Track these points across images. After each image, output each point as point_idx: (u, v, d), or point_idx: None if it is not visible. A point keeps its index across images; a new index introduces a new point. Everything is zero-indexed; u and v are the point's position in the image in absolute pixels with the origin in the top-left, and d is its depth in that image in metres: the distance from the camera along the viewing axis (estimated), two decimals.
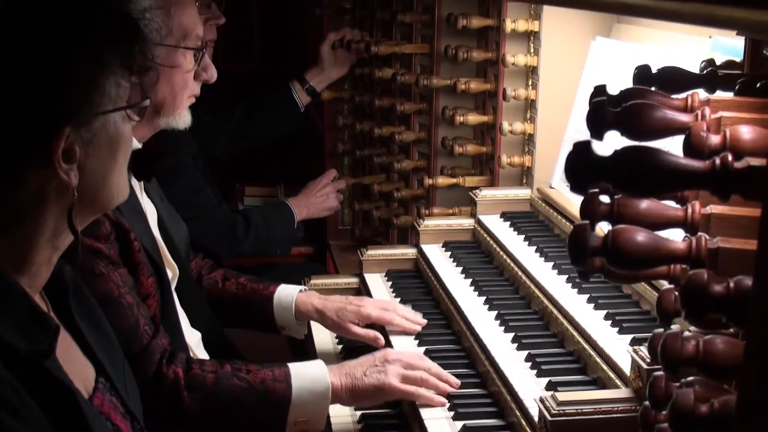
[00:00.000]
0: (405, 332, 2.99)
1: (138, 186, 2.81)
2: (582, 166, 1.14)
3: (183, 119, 2.85)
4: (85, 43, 1.70)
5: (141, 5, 2.61)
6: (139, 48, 1.82)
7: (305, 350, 3.28)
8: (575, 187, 1.18)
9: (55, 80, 1.65)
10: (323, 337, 3.25)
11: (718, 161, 1.13)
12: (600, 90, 1.39)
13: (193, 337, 2.96)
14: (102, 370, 1.92)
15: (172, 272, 2.88)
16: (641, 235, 1.22)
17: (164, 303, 2.74)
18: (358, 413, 2.78)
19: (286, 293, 3.15)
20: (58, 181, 1.68)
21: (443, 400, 2.57)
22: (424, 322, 3.02)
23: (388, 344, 2.95)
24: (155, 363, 2.53)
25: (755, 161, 1.11)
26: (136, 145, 2.75)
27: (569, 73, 3.36)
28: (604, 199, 1.28)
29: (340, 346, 3.20)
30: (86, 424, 1.70)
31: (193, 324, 3.01)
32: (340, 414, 2.73)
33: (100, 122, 1.72)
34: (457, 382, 2.65)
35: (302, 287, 3.22)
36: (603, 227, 1.33)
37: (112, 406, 1.90)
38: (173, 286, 2.88)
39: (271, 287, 3.18)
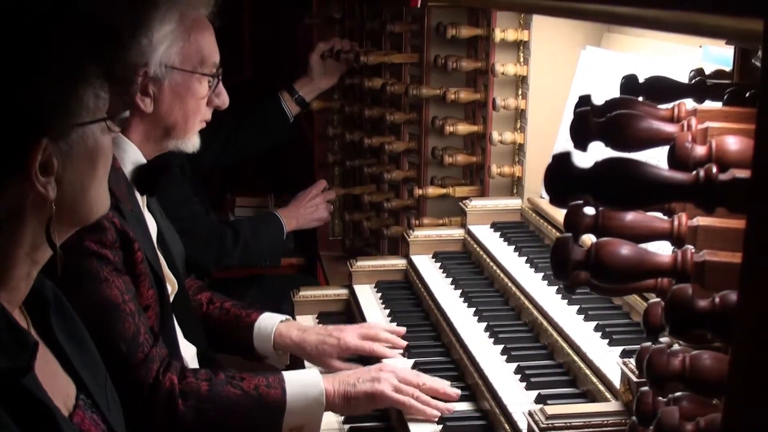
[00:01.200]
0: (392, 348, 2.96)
1: (141, 200, 2.81)
2: (562, 179, 1.12)
3: (192, 143, 2.87)
4: (62, 54, 1.67)
5: (162, 30, 2.61)
6: (119, 58, 1.79)
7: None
8: (555, 200, 1.15)
9: (30, 92, 1.62)
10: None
11: (702, 173, 1.10)
12: (584, 100, 1.37)
13: (188, 352, 2.93)
14: (83, 386, 1.89)
15: (171, 287, 2.86)
16: (625, 249, 1.19)
17: (162, 316, 2.72)
18: (347, 426, 2.75)
19: (267, 323, 3.10)
20: (35, 194, 1.65)
21: (435, 413, 2.54)
22: (404, 343, 2.97)
23: (378, 360, 2.92)
24: (154, 371, 2.53)
25: (740, 173, 1.08)
26: (142, 160, 2.75)
27: (559, 82, 3.35)
28: (589, 211, 1.25)
29: None
30: None
31: (188, 340, 2.98)
32: (328, 428, 2.70)
33: (78, 134, 1.69)
34: (457, 392, 2.62)
35: (284, 317, 3.15)
36: (591, 238, 1.31)
37: (93, 423, 1.87)
38: (171, 300, 2.86)
39: (253, 315, 3.12)
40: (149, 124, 2.75)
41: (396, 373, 2.64)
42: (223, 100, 2.92)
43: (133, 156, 2.74)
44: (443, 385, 2.63)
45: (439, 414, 2.55)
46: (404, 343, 2.97)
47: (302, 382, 2.60)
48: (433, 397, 2.60)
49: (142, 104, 2.69)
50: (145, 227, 2.76)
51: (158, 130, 2.78)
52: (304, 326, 3.11)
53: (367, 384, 2.60)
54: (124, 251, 2.55)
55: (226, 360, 3.29)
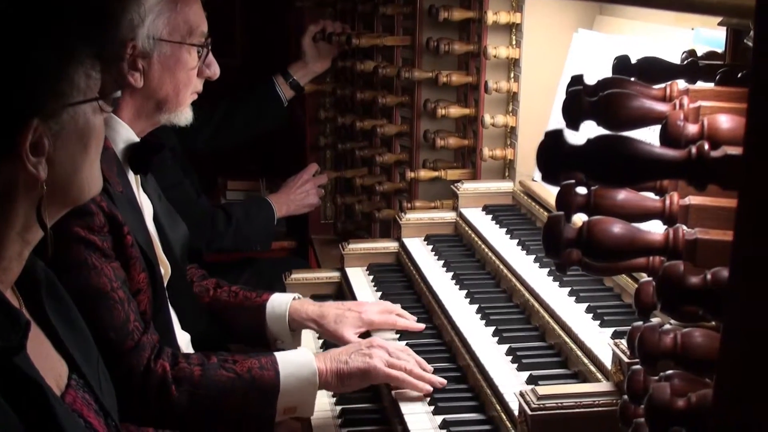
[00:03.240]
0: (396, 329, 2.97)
1: (134, 180, 2.79)
2: (554, 156, 1.11)
3: (184, 116, 2.84)
4: (52, 33, 1.66)
5: (149, 2, 2.60)
6: (110, 37, 1.79)
7: None
8: (547, 177, 1.15)
9: (21, 71, 1.61)
10: (306, 341, 3.20)
11: (694, 150, 1.10)
12: (576, 79, 1.37)
13: (182, 339, 2.92)
14: (75, 366, 1.89)
15: (164, 270, 2.83)
16: (617, 227, 1.19)
17: (155, 300, 2.70)
18: (338, 408, 2.76)
19: (280, 301, 3.08)
20: (26, 174, 1.65)
21: (428, 387, 2.55)
22: (422, 327, 2.97)
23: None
24: (145, 358, 2.51)
25: (732, 150, 1.08)
26: (134, 138, 2.73)
27: (551, 65, 3.34)
28: (581, 190, 1.25)
29: (322, 349, 3.15)
30: (57, 421, 1.67)
31: (184, 326, 2.97)
32: (320, 409, 2.70)
33: (69, 114, 1.69)
34: (443, 381, 2.61)
35: (295, 295, 3.14)
36: (583, 219, 1.31)
37: (85, 402, 1.87)
38: (165, 283, 2.84)
39: (264, 295, 3.10)
40: (140, 100, 2.73)
41: (387, 348, 2.64)
42: (214, 70, 2.90)
43: (124, 135, 2.72)
44: (429, 368, 2.64)
45: (431, 388, 2.55)
46: (422, 326, 2.96)
47: (295, 363, 2.59)
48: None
49: (132, 79, 2.67)
50: (137, 209, 2.73)
51: (150, 104, 2.75)
52: (318, 302, 3.10)
53: (360, 360, 2.59)
54: (112, 235, 2.52)
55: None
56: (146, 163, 2.76)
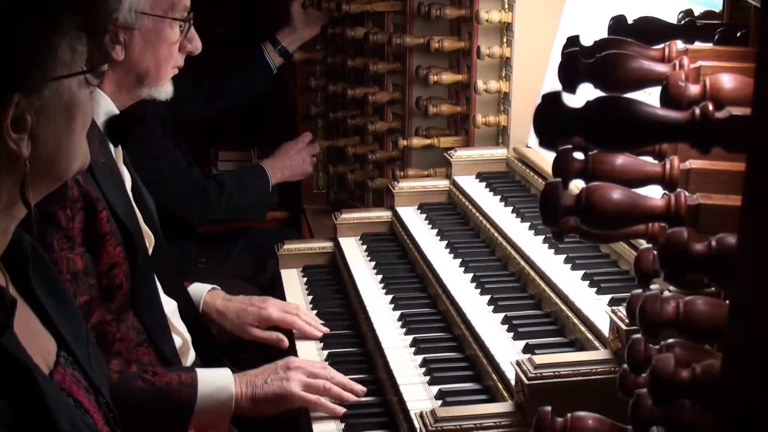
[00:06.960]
0: (307, 337, 2.96)
1: (114, 151, 2.75)
2: (551, 119, 1.07)
3: (165, 90, 2.82)
4: (34, 5, 1.61)
5: None
6: (95, 8, 1.73)
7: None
8: (544, 142, 1.10)
9: (1, 46, 1.56)
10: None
11: (697, 111, 1.06)
12: (573, 41, 1.32)
13: (169, 306, 2.89)
14: (64, 343, 1.85)
15: (148, 241, 2.80)
16: (616, 193, 1.15)
17: (137, 272, 2.66)
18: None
19: (196, 291, 3.10)
20: (8, 151, 1.60)
21: (342, 410, 2.53)
22: (326, 330, 2.98)
23: (293, 349, 2.90)
24: None
25: (738, 111, 1.04)
26: (114, 110, 2.70)
27: (545, 29, 3.30)
28: (578, 155, 1.21)
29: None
30: (44, 401, 1.63)
31: (169, 294, 2.93)
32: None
33: (52, 89, 1.63)
34: (363, 389, 2.61)
35: (210, 286, 3.14)
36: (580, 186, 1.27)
37: (74, 380, 1.83)
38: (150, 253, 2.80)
39: (184, 282, 3.11)
40: (121, 73, 2.71)
41: (304, 368, 2.60)
42: (196, 45, 2.87)
43: (105, 107, 2.70)
44: (349, 383, 2.62)
45: (344, 410, 2.53)
46: (320, 333, 2.96)
47: (215, 384, 2.55)
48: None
49: (113, 52, 2.64)
50: (119, 181, 2.70)
51: (130, 78, 2.73)
52: (229, 296, 3.12)
53: (276, 384, 2.56)
54: (86, 212, 2.47)
55: None
56: (125, 134, 2.73)
